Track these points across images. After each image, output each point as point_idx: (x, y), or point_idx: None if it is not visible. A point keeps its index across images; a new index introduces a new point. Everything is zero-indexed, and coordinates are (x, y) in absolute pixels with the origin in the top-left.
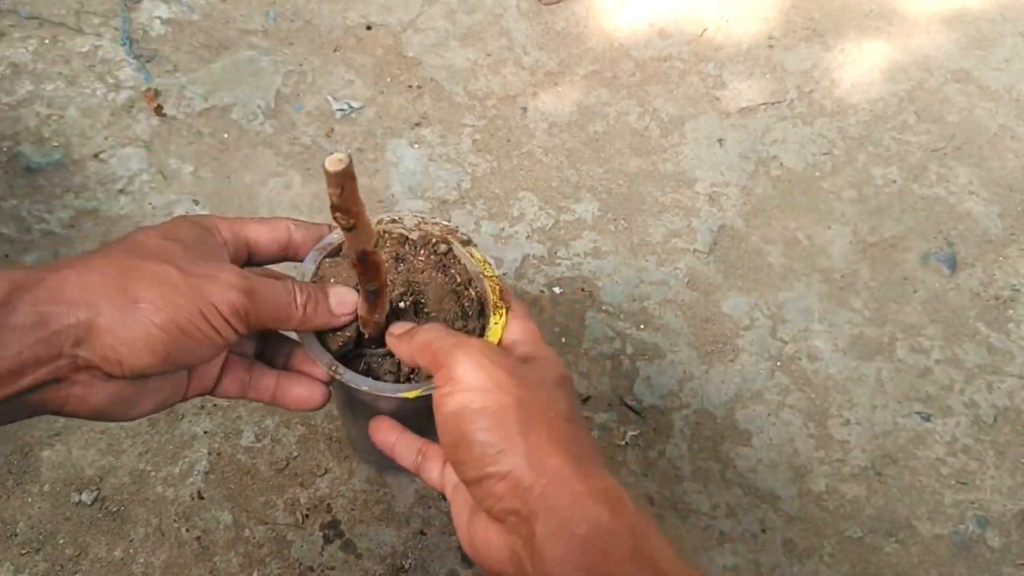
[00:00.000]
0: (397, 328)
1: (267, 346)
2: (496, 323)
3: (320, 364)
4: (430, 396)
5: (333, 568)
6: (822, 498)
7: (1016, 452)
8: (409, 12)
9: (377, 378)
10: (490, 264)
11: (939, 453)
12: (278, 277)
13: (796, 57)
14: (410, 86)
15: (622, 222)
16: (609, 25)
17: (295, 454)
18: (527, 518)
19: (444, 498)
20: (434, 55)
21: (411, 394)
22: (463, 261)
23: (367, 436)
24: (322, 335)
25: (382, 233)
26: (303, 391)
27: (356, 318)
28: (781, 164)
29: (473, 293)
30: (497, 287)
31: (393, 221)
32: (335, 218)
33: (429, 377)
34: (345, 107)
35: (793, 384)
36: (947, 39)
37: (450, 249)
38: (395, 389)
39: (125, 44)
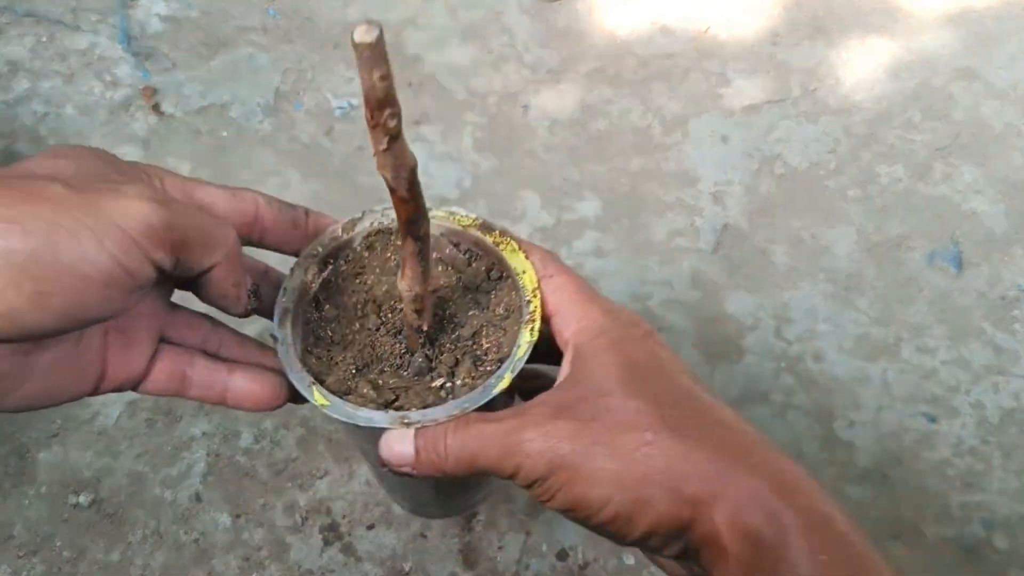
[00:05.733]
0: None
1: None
2: (527, 340)
3: (291, 375)
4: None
5: (332, 571)
6: None
7: (1023, 453)
8: (409, 9)
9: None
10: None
11: (945, 455)
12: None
13: (800, 55)
14: (410, 83)
15: (625, 221)
16: (611, 22)
17: (294, 456)
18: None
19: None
20: (434, 52)
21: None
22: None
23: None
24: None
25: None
26: (255, 386)
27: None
28: (785, 162)
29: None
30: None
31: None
32: (375, 120)
33: (463, 385)
34: (345, 105)
35: (798, 385)
36: (952, 36)
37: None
38: (380, 419)
39: (123, 41)
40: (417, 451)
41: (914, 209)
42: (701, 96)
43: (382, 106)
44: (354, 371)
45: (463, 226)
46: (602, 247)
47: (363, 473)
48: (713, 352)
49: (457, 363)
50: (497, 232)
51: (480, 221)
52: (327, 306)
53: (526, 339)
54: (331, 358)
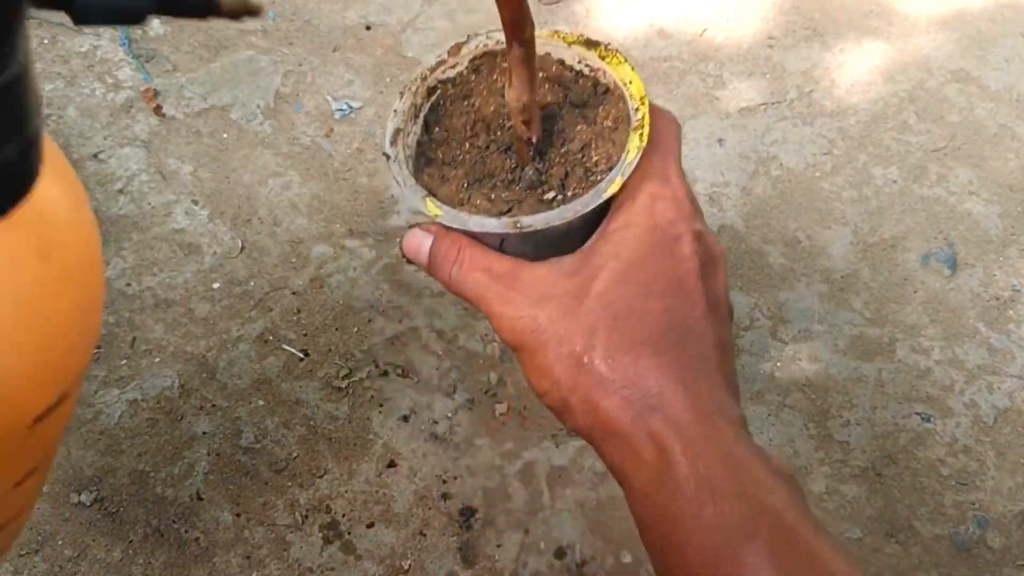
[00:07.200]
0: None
1: None
2: (632, 154)
3: (406, 190)
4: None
5: (332, 569)
6: (822, 499)
7: (1017, 453)
8: (409, 12)
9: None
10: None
11: (939, 454)
12: None
13: (796, 57)
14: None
15: None
16: (609, 25)
17: (295, 455)
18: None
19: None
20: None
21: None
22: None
23: None
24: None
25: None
26: None
27: None
28: (781, 164)
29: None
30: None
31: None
32: None
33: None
34: (344, 107)
35: (793, 385)
36: (947, 39)
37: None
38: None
39: (124, 44)
40: (431, 258)
41: (909, 210)
42: (698, 98)
43: None
44: (466, 186)
45: (568, 43)
46: None
47: (363, 471)
48: None
49: (567, 175)
50: (602, 47)
51: (584, 38)
52: (436, 129)
53: (635, 144)
54: (443, 175)
